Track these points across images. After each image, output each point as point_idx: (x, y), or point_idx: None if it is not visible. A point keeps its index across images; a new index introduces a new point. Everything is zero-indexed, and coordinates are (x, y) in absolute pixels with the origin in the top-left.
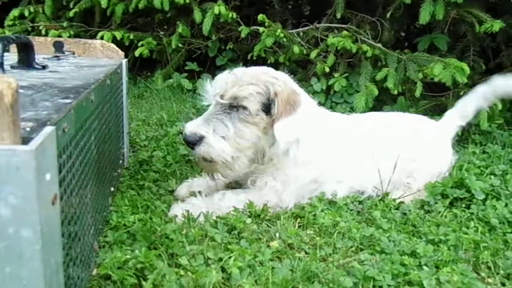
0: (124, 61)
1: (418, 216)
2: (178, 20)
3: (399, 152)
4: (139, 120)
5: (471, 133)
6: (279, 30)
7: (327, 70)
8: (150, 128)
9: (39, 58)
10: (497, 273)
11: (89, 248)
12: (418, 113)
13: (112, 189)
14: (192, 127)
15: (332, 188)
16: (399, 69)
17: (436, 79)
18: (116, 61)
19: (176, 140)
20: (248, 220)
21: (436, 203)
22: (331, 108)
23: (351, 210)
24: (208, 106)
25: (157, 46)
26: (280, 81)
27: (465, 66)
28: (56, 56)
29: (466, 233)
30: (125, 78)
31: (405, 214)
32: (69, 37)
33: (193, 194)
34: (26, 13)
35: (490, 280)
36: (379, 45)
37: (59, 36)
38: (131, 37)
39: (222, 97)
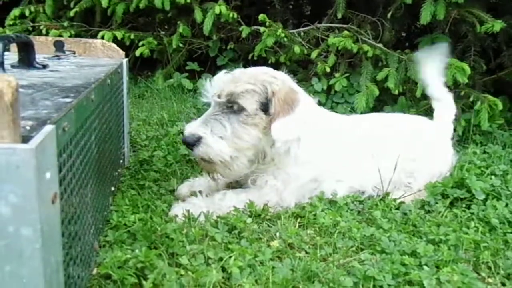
0: (125, 60)
1: (419, 216)
2: (179, 20)
3: (399, 152)
4: (139, 120)
5: (471, 133)
6: (280, 30)
7: (328, 70)
8: (151, 128)
9: (39, 57)
10: (498, 273)
11: (89, 247)
12: (419, 113)
13: (112, 188)
14: (190, 128)
15: (332, 187)
16: (400, 69)
17: None
18: (116, 60)
19: (177, 140)
20: (249, 220)
21: (437, 203)
22: (332, 108)
23: (352, 210)
24: (208, 105)
25: (157, 46)
26: (279, 80)
27: (466, 66)
28: (57, 56)
29: (467, 233)
30: (125, 78)
31: (405, 214)
32: (70, 36)
33: (194, 194)
34: (27, 13)
35: (490, 280)
36: (380, 45)
37: (60, 35)
38: (132, 36)
39: (219, 96)
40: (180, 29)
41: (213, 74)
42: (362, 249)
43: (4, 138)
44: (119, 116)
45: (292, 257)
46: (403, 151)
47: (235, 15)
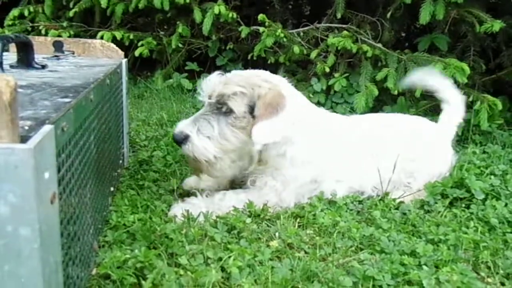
0: (124, 60)
1: (418, 216)
2: (178, 20)
3: (399, 152)
4: (139, 120)
5: (471, 133)
6: (279, 30)
7: (327, 70)
8: (150, 128)
9: (38, 57)
10: (497, 273)
11: (88, 247)
12: (419, 113)
13: (112, 188)
14: (180, 126)
15: (331, 187)
16: (399, 69)
17: None
18: (116, 60)
19: None
20: (248, 220)
21: (436, 203)
22: (331, 108)
23: (351, 210)
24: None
25: (157, 46)
26: (268, 84)
27: (465, 66)
28: (56, 56)
29: (466, 233)
30: (125, 78)
31: (405, 214)
32: (69, 37)
33: (197, 189)
34: (26, 13)
35: (489, 280)
36: (379, 45)
37: (59, 36)
38: (131, 37)
39: (210, 97)
40: (180, 29)
41: None
42: (361, 249)
43: (3, 138)
44: (118, 116)
45: (292, 257)
46: (402, 151)
47: (235, 15)
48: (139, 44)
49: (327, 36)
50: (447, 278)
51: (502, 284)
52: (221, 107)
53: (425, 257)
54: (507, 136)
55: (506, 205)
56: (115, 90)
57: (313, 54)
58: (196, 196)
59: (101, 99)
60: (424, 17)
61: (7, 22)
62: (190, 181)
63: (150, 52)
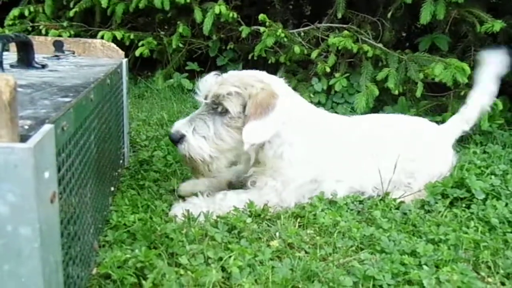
0: (124, 60)
1: (418, 215)
2: (179, 20)
3: (399, 152)
4: (139, 120)
5: (471, 133)
6: (280, 30)
7: (328, 70)
8: (151, 128)
9: (38, 57)
10: (497, 273)
11: (89, 247)
12: (419, 113)
13: (112, 188)
14: (177, 125)
15: (332, 187)
16: (400, 69)
17: (437, 79)
18: (116, 60)
19: None
20: (248, 220)
21: (437, 203)
22: (332, 108)
23: (351, 209)
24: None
25: (157, 46)
26: (262, 84)
27: (466, 66)
28: (56, 56)
29: (466, 233)
30: (125, 78)
31: (405, 213)
32: (69, 36)
33: (195, 193)
34: (26, 13)
35: (490, 280)
36: (380, 45)
37: (59, 35)
38: (132, 37)
39: (206, 97)
40: (180, 29)
41: None
42: (361, 249)
43: (2, 137)
44: (118, 116)
45: (292, 256)
46: (403, 151)
47: (235, 15)
48: (140, 44)
49: (327, 36)
50: (448, 277)
51: (503, 284)
52: (216, 107)
53: (426, 257)
54: (507, 136)
55: (506, 205)
56: (116, 90)
57: (314, 54)
58: (197, 196)
59: (102, 99)
60: (424, 17)
61: (7, 22)
62: (186, 186)
63: (150, 52)
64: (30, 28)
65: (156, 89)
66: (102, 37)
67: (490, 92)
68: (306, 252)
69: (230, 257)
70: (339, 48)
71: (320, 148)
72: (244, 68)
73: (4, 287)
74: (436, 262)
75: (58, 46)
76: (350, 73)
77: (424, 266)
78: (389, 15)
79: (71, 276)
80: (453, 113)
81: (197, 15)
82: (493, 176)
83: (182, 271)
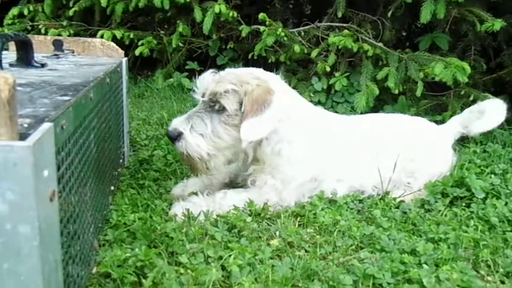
0: (124, 59)
1: (418, 214)
2: (179, 19)
3: (399, 152)
4: (139, 120)
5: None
6: (280, 29)
7: (328, 69)
8: (151, 128)
9: (38, 56)
10: (497, 271)
11: (88, 246)
12: (419, 112)
13: (112, 187)
14: (174, 123)
15: (332, 186)
16: (400, 68)
17: (437, 79)
18: (116, 59)
19: None
20: (248, 219)
21: (436, 202)
22: (332, 108)
23: (351, 208)
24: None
25: (157, 45)
26: (258, 81)
27: (466, 66)
28: (56, 55)
29: (466, 232)
30: (125, 77)
31: (405, 213)
32: (69, 36)
33: (191, 193)
34: (26, 12)
35: (489, 278)
36: (380, 44)
37: (59, 35)
38: (131, 36)
39: (203, 95)
40: (180, 29)
41: None
42: (361, 248)
43: (1, 135)
44: (118, 115)
45: (292, 255)
46: (403, 151)
47: (235, 14)
48: (139, 43)
49: (327, 35)
50: (447, 276)
51: (502, 282)
52: (214, 105)
53: (425, 255)
54: (507, 135)
55: (506, 204)
56: (115, 89)
57: (314, 53)
58: (197, 195)
59: (101, 98)
60: (424, 16)
61: (7, 21)
62: (177, 190)
63: (150, 51)
64: (29, 28)
65: (156, 88)
66: (101, 37)
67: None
68: (306, 251)
69: (230, 256)
70: (339, 47)
71: (320, 147)
72: (244, 67)
73: (4, 286)
74: (436, 261)
75: (58, 45)
76: (350, 72)
77: (424, 265)
78: (389, 14)
79: (71, 275)
80: (453, 112)
81: (197, 14)
82: (493, 175)
83: (182, 270)
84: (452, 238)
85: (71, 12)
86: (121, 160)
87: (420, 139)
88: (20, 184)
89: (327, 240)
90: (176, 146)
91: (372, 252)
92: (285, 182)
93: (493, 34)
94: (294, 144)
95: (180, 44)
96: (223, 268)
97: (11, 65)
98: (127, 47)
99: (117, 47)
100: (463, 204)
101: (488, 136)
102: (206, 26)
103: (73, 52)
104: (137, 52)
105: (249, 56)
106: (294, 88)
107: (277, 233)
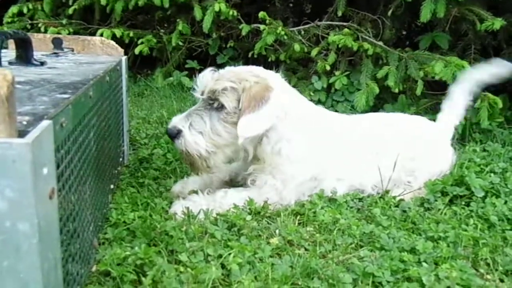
0: (124, 58)
1: (418, 213)
2: (178, 18)
3: (399, 151)
4: (139, 118)
5: (471, 131)
6: (280, 28)
7: (328, 68)
8: (150, 126)
9: (37, 55)
10: (496, 270)
11: (88, 244)
12: (419, 111)
13: (112, 186)
14: (174, 121)
15: (332, 185)
16: (400, 67)
17: (437, 77)
18: (115, 58)
19: None
20: (248, 217)
21: (436, 200)
22: (332, 107)
23: (351, 207)
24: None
25: (157, 44)
26: (256, 78)
27: (466, 64)
28: (55, 53)
29: (466, 230)
30: (124, 75)
31: (405, 211)
32: (69, 34)
33: (194, 191)
34: (25, 10)
35: (489, 277)
36: (380, 43)
37: (58, 33)
38: (131, 34)
39: (202, 93)
40: (180, 27)
41: None
42: (361, 246)
43: (0, 132)
44: (118, 114)
45: (292, 254)
46: (403, 150)
47: (235, 13)
48: (139, 42)
49: (328, 34)
50: (447, 274)
51: (501, 280)
52: (213, 103)
53: (425, 254)
54: (507, 134)
55: (505, 202)
56: (115, 87)
57: (314, 52)
58: (197, 193)
59: (101, 96)
60: (425, 15)
61: (6, 19)
62: (177, 188)
63: (150, 50)
64: (29, 26)
65: (156, 87)
66: (101, 35)
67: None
68: (305, 249)
69: (229, 254)
70: (339, 46)
71: (320, 146)
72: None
73: (3, 283)
74: (436, 259)
75: (57, 43)
76: (350, 71)
77: (424, 263)
78: (389, 13)
79: (71, 273)
80: None
81: (197, 13)
82: (492, 174)
83: (182, 268)
84: (451, 237)
85: (70, 11)
86: (120, 159)
87: (420, 138)
88: (19, 181)
89: (327, 238)
90: (176, 144)
91: (371, 251)
92: (285, 181)
93: (493, 33)
94: (294, 143)
95: (180, 43)
96: (222, 266)
97: (10, 63)
98: (127, 46)
99: (116, 45)
100: (463, 203)
101: (487, 135)
102: (206, 24)
103: (72, 50)
104: (136, 51)
105: (249, 55)
106: (294, 87)
107: (277, 231)
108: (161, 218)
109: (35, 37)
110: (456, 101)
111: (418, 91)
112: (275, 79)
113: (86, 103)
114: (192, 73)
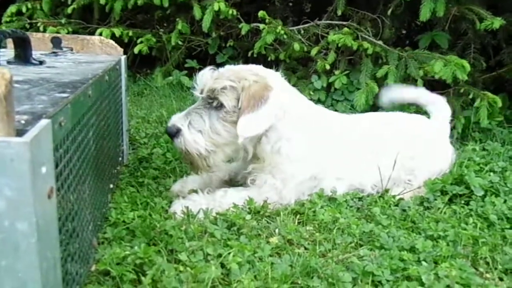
0: (123, 57)
1: (418, 212)
2: (178, 17)
3: (399, 150)
4: (138, 118)
5: (471, 130)
6: (279, 27)
7: (328, 67)
8: (150, 126)
9: (36, 54)
10: (495, 268)
11: (87, 244)
12: (418, 110)
13: (111, 186)
14: (173, 119)
15: (332, 185)
16: (399, 66)
17: (436, 76)
18: (115, 57)
19: None
20: (248, 217)
21: (436, 199)
22: (332, 106)
23: (351, 206)
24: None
25: (156, 43)
26: (256, 77)
27: (465, 64)
28: (54, 52)
29: (465, 229)
30: (124, 75)
31: (404, 210)
32: (68, 33)
33: (194, 191)
34: (24, 10)
35: (488, 275)
36: (380, 42)
37: (57, 33)
38: (130, 34)
39: (201, 92)
40: (179, 26)
41: None
42: (361, 245)
43: None
44: (117, 113)
45: (291, 253)
46: (402, 149)
47: (235, 12)
48: (138, 41)
49: (327, 33)
50: (446, 273)
51: (501, 279)
52: (212, 102)
53: (424, 253)
54: (506, 134)
55: (505, 201)
56: (114, 86)
57: (314, 51)
58: (197, 192)
59: (100, 95)
60: (424, 14)
61: (5, 18)
62: (176, 187)
63: (149, 49)
64: (28, 25)
65: (155, 86)
66: (100, 34)
67: None
68: (305, 249)
69: (229, 253)
70: (339, 45)
71: (320, 145)
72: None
73: (2, 283)
74: (435, 258)
75: (56, 42)
76: (350, 71)
77: (423, 262)
78: (389, 12)
79: (70, 272)
80: (453, 111)
81: (196, 12)
82: (492, 173)
83: (181, 268)
84: (451, 236)
85: (69, 10)
86: (120, 158)
87: (419, 137)
88: (17, 180)
89: (327, 237)
90: (174, 143)
91: (371, 250)
92: (285, 180)
93: (493, 32)
94: (294, 142)
95: (179, 42)
96: (222, 265)
97: (9, 62)
98: (126, 45)
99: (116, 44)
100: (462, 202)
101: (487, 134)
102: (206, 24)
103: (71, 49)
104: (136, 50)
105: (249, 54)
106: (293, 86)
107: (277, 230)
108: (160, 218)
109: (34, 36)
110: (432, 98)
111: None
112: (274, 78)
113: (85, 102)
114: (191, 73)
